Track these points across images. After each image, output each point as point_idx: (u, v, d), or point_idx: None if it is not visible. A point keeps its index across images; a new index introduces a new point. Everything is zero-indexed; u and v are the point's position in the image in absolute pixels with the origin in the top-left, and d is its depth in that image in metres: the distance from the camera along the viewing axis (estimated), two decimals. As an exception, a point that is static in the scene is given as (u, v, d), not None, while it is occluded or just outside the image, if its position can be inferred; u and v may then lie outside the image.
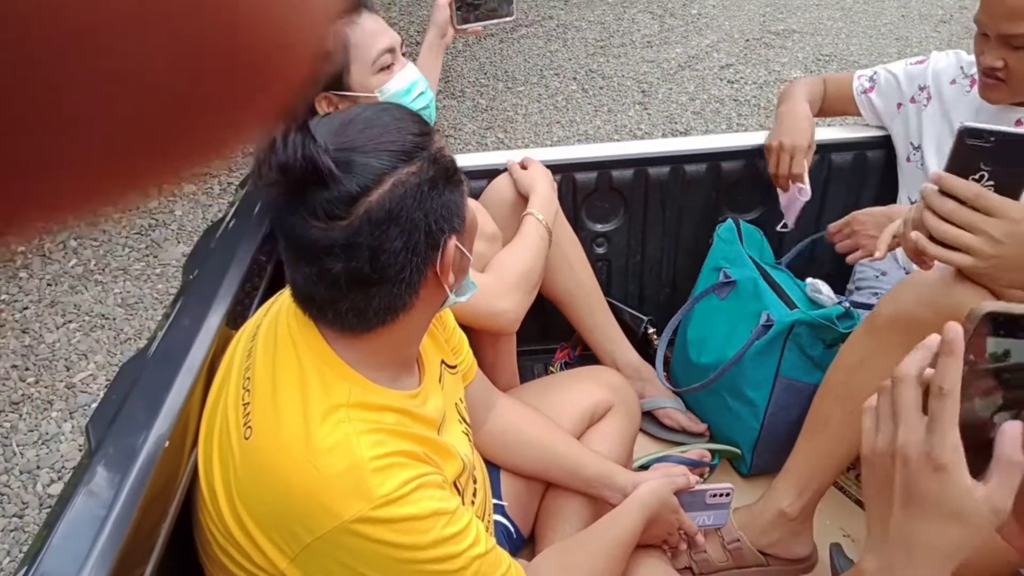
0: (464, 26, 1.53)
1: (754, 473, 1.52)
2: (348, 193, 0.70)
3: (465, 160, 1.66)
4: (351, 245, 0.71)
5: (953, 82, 1.54)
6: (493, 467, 1.19)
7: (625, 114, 3.78)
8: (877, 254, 1.02)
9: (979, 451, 0.59)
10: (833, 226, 1.53)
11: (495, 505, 1.14)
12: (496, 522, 1.13)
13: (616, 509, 1.12)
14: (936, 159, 1.55)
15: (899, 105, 1.61)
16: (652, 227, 1.73)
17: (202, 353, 0.92)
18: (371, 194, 0.70)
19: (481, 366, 1.19)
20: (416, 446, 0.79)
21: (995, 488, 0.54)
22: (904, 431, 0.56)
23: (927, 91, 1.57)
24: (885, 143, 1.68)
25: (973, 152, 0.82)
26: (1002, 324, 0.54)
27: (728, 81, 4.03)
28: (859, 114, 1.69)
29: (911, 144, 1.61)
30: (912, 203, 1.60)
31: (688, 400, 1.61)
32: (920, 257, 0.95)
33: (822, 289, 1.45)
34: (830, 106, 1.72)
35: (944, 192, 0.87)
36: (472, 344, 1.23)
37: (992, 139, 0.80)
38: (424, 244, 0.75)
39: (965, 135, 0.82)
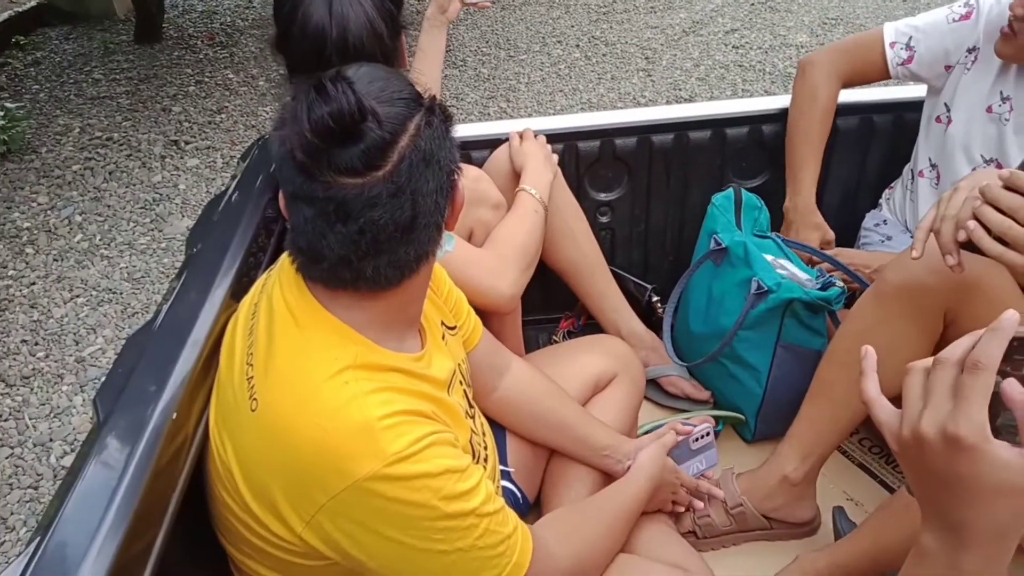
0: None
1: (758, 439, 1.53)
2: (383, 140, 0.71)
3: (467, 130, 1.65)
4: (395, 192, 0.72)
5: None
6: (499, 432, 1.20)
7: (629, 81, 3.74)
8: (914, 253, 1.01)
9: None
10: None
11: (501, 471, 1.15)
12: (503, 487, 1.14)
13: (623, 478, 1.13)
14: (963, 126, 1.47)
15: (947, 67, 1.48)
16: (656, 195, 1.73)
17: (207, 326, 0.92)
18: (400, 139, 0.72)
19: (485, 336, 1.19)
20: (425, 404, 0.80)
21: None
22: (929, 412, 0.52)
23: (976, 52, 1.44)
24: (893, 107, 1.66)
25: None
26: (1015, 348, 0.50)
27: (733, 46, 3.97)
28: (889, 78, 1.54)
29: (944, 104, 1.50)
30: (933, 165, 1.57)
31: (691, 367, 1.62)
32: (949, 250, 0.93)
33: (790, 268, 1.44)
34: (855, 83, 1.59)
35: (1009, 189, 0.86)
36: (477, 313, 1.23)
37: None
38: (447, 184, 0.78)
39: None
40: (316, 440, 0.73)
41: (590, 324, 1.74)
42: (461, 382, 0.98)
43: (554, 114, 3.49)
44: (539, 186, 1.43)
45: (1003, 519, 0.51)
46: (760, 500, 1.32)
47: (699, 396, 1.60)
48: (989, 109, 1.44)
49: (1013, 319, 0.50)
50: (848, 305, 1.46)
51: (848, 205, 1.77)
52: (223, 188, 1.27)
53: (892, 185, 1.72)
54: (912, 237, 1.64)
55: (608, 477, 1.20)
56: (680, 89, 3.67)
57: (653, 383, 1.61)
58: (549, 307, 1.81)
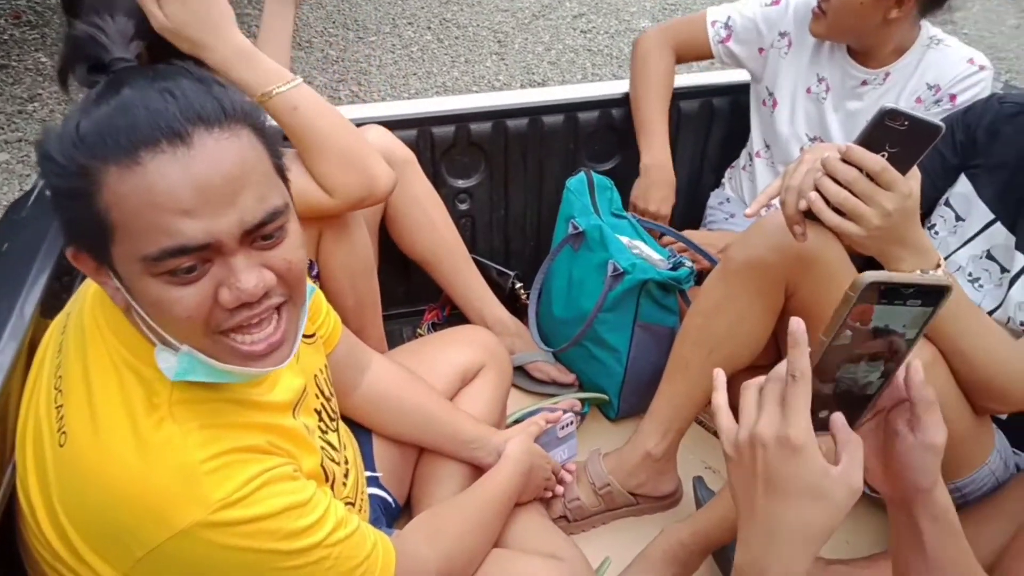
0: None
1: (622, 417, 1.57)
2: None
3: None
4: None
5: None
6: (365, 436, 1.14)
7: (483, 65, 3.72)
8: (748, 211, 1.05)
9: (853, 404, 0.63)
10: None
11: (369, 477, 1.11)
12: (371, 495, 1.09)
13: (491, 470, 1.11)
14: (788, 109, 1.59)
15: (760, 50, 1.60)
16: (514, 181, 1.72)
17: (13, 346, 0.80)
18: None
19: (345, 335, 1.13)
20: (259, 437, 0.73)
21: (846, 466, 0.58)
22: (763, 419, 0.59)
23: (787, 38, 1.56)
24: (730, 91, 1.74)
25: (886, 131, 0.86)
26: (885, 293, 0.57)
27: (581, 31, 4.05)
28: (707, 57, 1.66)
29: (767, 89, 1.62)
30: (767, 146, 1.67)
31: (556, 352, 1.63)
32: (796, 220, 0.97)
33: (644, 249, 1.48)
34: (684, 57, 1.68)
35: (846, 162, 0.90)
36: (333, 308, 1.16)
37: (907, 123, 0.84)
38: None
39: (886, 116, 0.85)
40: (130, 487, 0.65)
41: (455, 314, 1.71)
42: (318, 395, 0.92)
43: (408, 98, 3.42)
44: (269, 74, 1.07)
45: (810, 527, 0.58)
46: (625, 477, 1.35)
47: (565, 380, 1.61)
48: (808, 90, 1.56)
49: (801, 331, 0.58)
50: (699, 283, 1.53)
51: (693, 185, 1.85)
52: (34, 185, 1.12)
53: (733, 165, 1.81)
54: (754, 214, 1.75)
55: (479, 471, 1.19)
56: (533, 73, 3.70)
57: (520, 370, 1.61)
58: (412, 299, 1.76)
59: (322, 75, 3.48)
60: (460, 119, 1.60)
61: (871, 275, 0.56)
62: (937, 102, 1.44)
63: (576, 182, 1.58)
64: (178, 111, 0.60)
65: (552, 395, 1.60)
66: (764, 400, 0.60)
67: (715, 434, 1.56)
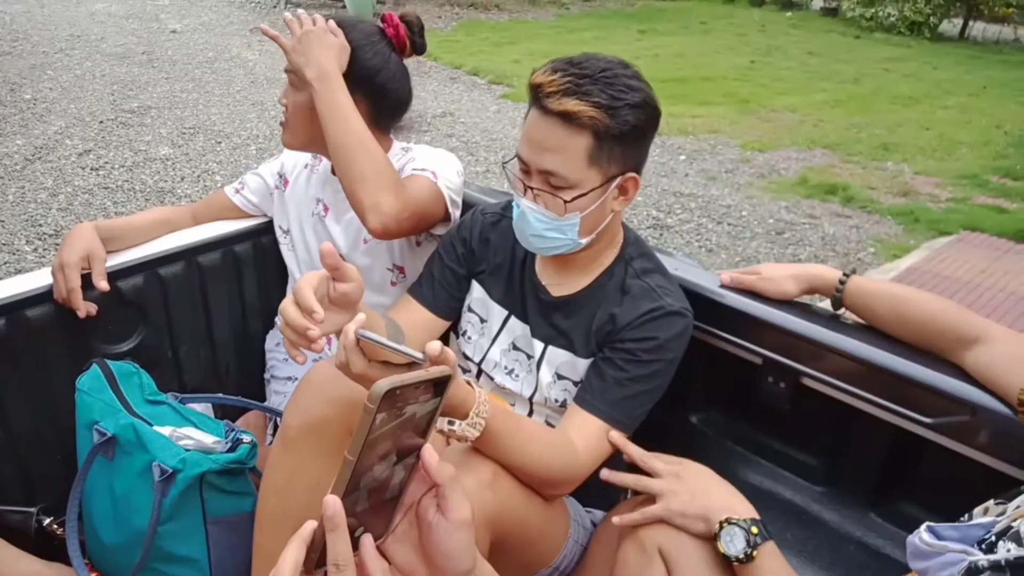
0: None
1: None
2: None
3: None
4: None
5: (307, 166, 1.64)
6: None
7: (-35, 229, 3.08)
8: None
9: (384, 509, 0.64)
10: None
11: None
12: None
13: None
14: (299, 235, 1.62)
15: (270, 193, 1.68)
16: (7, 393, 1.37)
17: None
18: None
19: None
20: None
21: None
22: None
23: (284, 177, 1.66)
24: (248, 235, 1.67)
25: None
26: (400, 395, 0.59)
27: (92, 168, 3.64)
28: (243, 215, 1.69)
29: (281, 228, 1.66)
30: (302, 274, 1.63)
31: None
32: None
33: (194, 436, 1.31)
34: (208, 218, 1.67)
35: None
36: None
37: (373, 342, 0.87)
38: None
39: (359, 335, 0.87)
40: None
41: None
42: None
43: None
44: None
45: None
46: None
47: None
48: (312, 214, 1.61)
49: (338, 512, 0.57)
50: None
51: (242, 334, 1.72)
52: None
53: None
54: (313, 361, 1.70)
55: None
56: (40, 224, 3.20)
57: (76, 628, 1.28)
58: None
59: None
60: None
61: (384, 383, 0.57)
62: None
63: (88, 380, 1.32)
64: None
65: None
66: None
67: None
